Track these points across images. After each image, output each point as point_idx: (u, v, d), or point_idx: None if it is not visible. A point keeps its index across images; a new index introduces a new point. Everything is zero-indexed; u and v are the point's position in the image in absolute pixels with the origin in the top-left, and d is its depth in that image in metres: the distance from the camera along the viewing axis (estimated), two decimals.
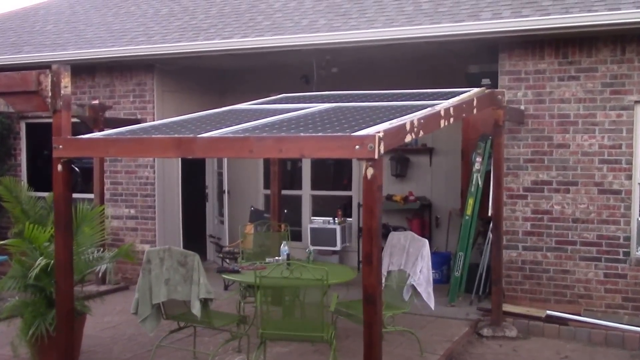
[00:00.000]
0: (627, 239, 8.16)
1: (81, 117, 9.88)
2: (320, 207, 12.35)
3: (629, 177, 8.10)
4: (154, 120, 10.79)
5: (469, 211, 8.94)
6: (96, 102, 10.06)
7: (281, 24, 9.85)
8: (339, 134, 4.93)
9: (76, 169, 5.82)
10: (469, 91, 7.50)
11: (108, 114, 10.45)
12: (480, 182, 8.86)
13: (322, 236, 11.50)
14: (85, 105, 9.91)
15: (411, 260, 7.04)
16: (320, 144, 4.80)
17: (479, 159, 8.94)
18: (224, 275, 6.76)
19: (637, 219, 8.16)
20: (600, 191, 8.25)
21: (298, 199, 12.34)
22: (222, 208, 12.17)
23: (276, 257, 7.44)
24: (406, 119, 5.48)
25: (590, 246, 8.33)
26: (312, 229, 11.57)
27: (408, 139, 5.40)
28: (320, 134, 4.98)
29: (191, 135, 5.26)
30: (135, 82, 10.94)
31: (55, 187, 5.72)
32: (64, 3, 13.82)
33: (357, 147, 4.63)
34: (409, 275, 6.90)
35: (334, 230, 11.41)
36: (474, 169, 8.99)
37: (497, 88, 8.82)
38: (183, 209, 11.52)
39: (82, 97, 11.28)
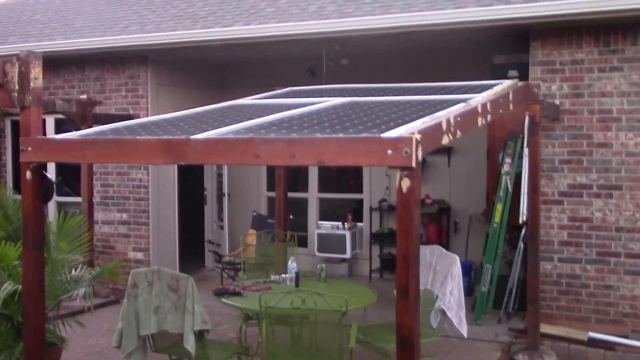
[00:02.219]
0: None
1: (67, 114, 8.99)
2: (329, 211, 11.43)
3: None
4: (147, 116, 9.88)
5: (497, 218, 8.02)
6: (84, 96, 9.15)
7: (286, 10, 8.91)
8: (365, 134, 4.00)
9: (49, 176, 4.84)
10: (500, 83, 6.56)
11: (98, 109, 9.56)
12: (510, 186, 7.94)
13: (330, 243, 10.61)
14: (71, 100, 9.00)
15: (439, 279, 6.12)
16: (343, 148, 3.86)
17: (508, 160, 8.01)
18: (222, 300, 5.82)
19: None
20: None
21: (304, 201, 11.41)
22: (221, 212, 11.26)
23: (282, 275, 6.51)
24: (441, 117, 4.55)
25: (637, 258, 7.39)
26: (320, 235, 10.68)
27: (445, 140, 4.46)
28: (341, 134, 4.04)
29: (183, 137, 4.32)
30: (127, 75, 10.02)
31: (24, 198, 4.79)
32: None
33: (389, 152, 3.70)
34: (437, 297, 5.98)
35: (344, 236, 10.51)
36: (502, 171, 8.07)
37: (526, 80, 7.90)
38: (179, 212, 10.61)
39: (70, 91, 10.40)
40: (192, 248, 11.46)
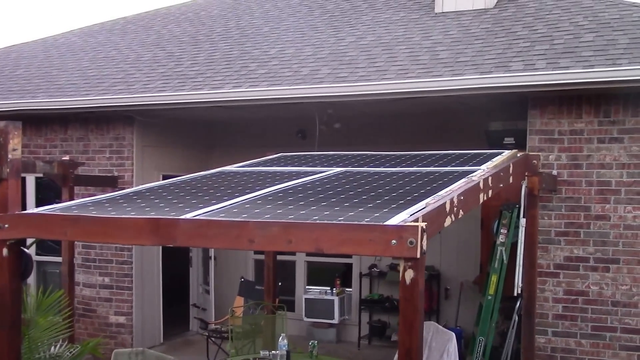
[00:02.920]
0: None
1: (48, 175, 8.69)
2: (317, 275, 11.16)
3: None
4: (132, 177, 9.66)
5: (491, 290, 7.79)
6: (66, 158, 8.87)
7: (278, 73, 8.76)
8: (367, 221, 3.77)
9: (27, 251, 4.56)
10: (500, 154, 6.41)
11: (81, 170, 9.29)
12: (505, 257, 7.74)
13: (318, 307, 10.35)
14: (53, 161, 8.72)
15: (434, 356, 5.87)
16: (343, 235, 3.62)
17: (503, 231, 7.83)
18: None
19: None
20: None
21: (291, 265, 11.13)
22: (207, 275, 10.96)
23: (272, 352, 6.21)
24: (444, 197, 4.36)
25: (633, 334, 7.16)
26: (308, 300, 10.42)
27: (447, 222, 4.26)
28: (340, 219, 3.82)
29: (172, 216, 4.08)
30: (112, 135, 9.79)
31: (0, 276, 4.50)
32: (38, 46, 12.68)
33: (393, 241, 3.48)
34: None
35: (332, 301, 10.26)
36: (497, 242, 7.87)
37: (522, 148, 7.77)
38: (164, 274, 10.27)
39: (52, 150, 10.15)
40: (176, 310, 11.12)
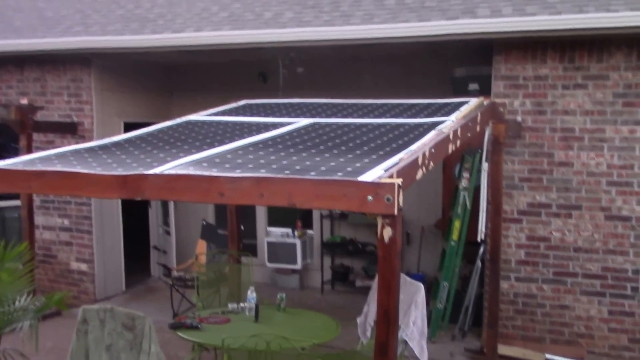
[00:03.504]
0: (636, 272, 7.21)
1: (5, 121, 8.45)
2: (278, 216, 11.08)
3: None
4: (92, 124, 9.43)
5: (455, 236, 7.86)
6: (25, 102, 8.61)
7: (241, 16, 8.56)
8: (341, 176, 3.73)
9: None
10: (466, 102, 6.40)
11: (40, 115, 9.04)
12: (468, 203, 7.79)
13: (280, 252, 10.32)
14: (10, 106, 8.47)
15: (402, 308, 5.86)
16: (317, 190, 3.56)
17: (466, 175, 7.86)
18: (179, 334, 5.50)
19: None
20: (607, 217, 7.25)
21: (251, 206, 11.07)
22: (167, 217, 10.83)
23: (241, 304, 6.21)
24: (417, 151, 4.33)
25: (594, 279, 7.35)
26: (270, 244, 10.39)
27: (419, 175, 4.25)
28: (313, 173, 3.76)
29: (139, 171, 3.98)
30: (69, 77, 9.52)
31: None
32: None
33: (369, 197, 3.45)
34: (400, 327, 5.76)
35: (294, 245, 10.23)
36: (460, 187, 7.91)
37: (486, 94, 7.76)
38: (123, 215, 10.13)
39: (8, 92, 9.87)
40: (137, 253, 11.03)
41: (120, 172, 4.09)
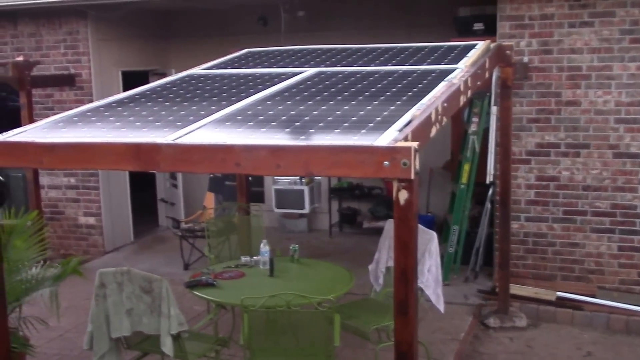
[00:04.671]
0: None
1: (3, 78, 8.36)
2: None
3: None
4: (90, 75, 9.33)
5: (464, 179, 7.85)
6: (20, 58, 8.49)
7: None
8: (355, 140, 3.68)
9: (0, 178, 4.41)
10: (474, 46, 6.30)
11: (36, 69, 8.93)
12: (477, 146, 7.75)
13: (288, 198, 10.34)
14: (7, 63, 8.36)
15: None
16: (334, 158, 3.53)
17: (475, 120, 7.80)
18: (196, 293, 5.53)
19: None
20: (615, 155, 7.21)
21: None
22: None
23: (254, 257, 6.24)
24: (429, 106, 4.27)
25: (603, 217, 7.35)
26: (277, 191, 10.38)
27: (433, 132, 4.21)
28: (329, 140, 3.71)
29: (153, 141, 3.93)
30: (65, 30, 9.38)
31: None
32: None
33: (385, 163, 3.42)
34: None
35: (302, 191, 10.23)
36: (469, 131, 7.86)
37: (491, 34, 7.65)
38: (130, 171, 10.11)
39: (3, 48, 9.72)
40: (144, 205, 11.07)
41: (131, 138, 4.06)
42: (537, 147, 7.46)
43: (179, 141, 3.90)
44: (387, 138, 3.62)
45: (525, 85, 7.38)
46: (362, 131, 3.85)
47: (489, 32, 7.80)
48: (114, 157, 3.98)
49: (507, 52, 6.57)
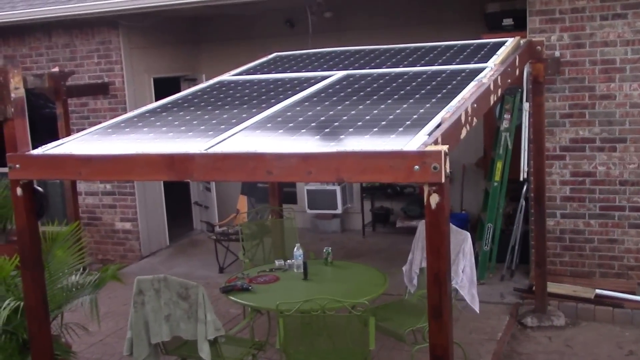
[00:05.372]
0: None
1: (40, 89, 8.51)
2: None
3: None
4: (123, 83, 9.46)
5: (497, 176, 7.80)
6: (56, 69, 8.64)
7: None
8: (385, 142, 3.69)
9: (39, 189, 4.50)
10: (504, 43, 6.25)
11: (71, 78, 9.09)
12: (509, 143, 7.70)
13: (321, 199, 10.37)
14: (43, 75, 8.51)
15: (450, 256, 5.91)
16: (364, 163, 3.56)
17: (507, 116, 7.75)
18: (232, 298, 5.58)
19: None
20: None
21: None
22: None
23: (288, 261, 6.28)
24: (459, 108, 4.27)
25: None
26: (310, 191, 10.41)
27: (463, 134, 4.21)
28: (359, 147, 3.72)
29: (187, 151, 3.99)
30: (98, 40, 9.52)
31: (17, 217, 4.45)
32: None
33: (416, 167, 3.43)
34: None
35: (334, 191, 10.25)
36: (501, 128, 7.81)
37: (521, 29, 7.59)
38: None
39: (38, 59, 9.89)
40: (178, 209, 11.18)
41: (164, 148, 4.12)
42: (571, 142, 7.38)
43: (211, 150, 3.95)
44: (417, 142, 3.63)
45: (558, 80, 7.31)
46: (392, 135, 3.86)
47: (519, 27, 7.75)
48: (149, 168, 4.05)
49: (538, 47, 6.51)
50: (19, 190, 4.37)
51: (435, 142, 3.59)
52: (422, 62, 6.01)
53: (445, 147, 3.44)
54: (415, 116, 4.22)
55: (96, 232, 9.97)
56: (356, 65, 6.22)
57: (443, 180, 3.41)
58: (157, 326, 4.97)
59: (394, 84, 5.26)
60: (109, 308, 7.69)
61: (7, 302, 4.96)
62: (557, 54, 7.25)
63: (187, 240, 10.75)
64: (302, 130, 4.21)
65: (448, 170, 3.47)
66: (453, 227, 6.01)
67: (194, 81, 10.33)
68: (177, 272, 8.65)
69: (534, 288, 7.17)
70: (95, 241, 9.98)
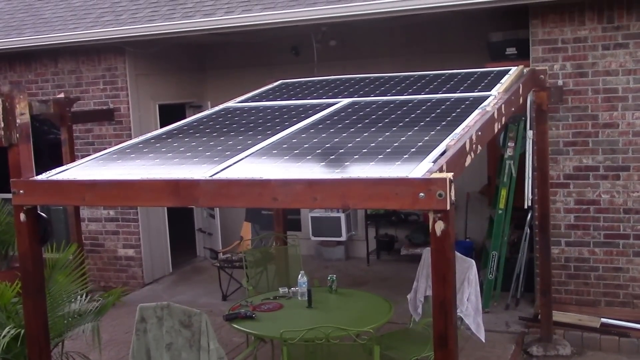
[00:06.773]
0: None
1: (45, 115, 8.55)
2: None
3: None
4: (128, 110, 9.50)
5: (502, 204, 7.78)
6: (61, 95, 8.68)
7: None
8: (391, 174, 3.68)
9: (43, 215, 4.49)
10: (507, 72, 6.29)
11: (76, 104, 9.12)
12: (514, 171, 7.70)
13: (324, 226, 10.33)
14: (49, 101, 8.55)
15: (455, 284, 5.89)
16: (369, 190, 3.56)
17: (511, 144, 7.76)
18: (235, 326, 5.55)
19: None
20: None
21: None
22: None
23: (292, 289, 6.25)
24: (463, 136, 4.28)
25: None
26: (314, 218, 10.37)
27: (468, 162, 4.21)
28: (365, 174, 3.72)
29: (192, 177, 3.99)
30: (104, 66, 9.57)
31: (20, 243, 4.45)
32: None
33: (421, 194, 3.43)
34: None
35: (338, 219, 10.20)
36: (505, 156, 7.82)
37: (524, 58, 7.63)
38: None
39: (44, 85, 9.95)
40: (181, 236, 11.16)
41: (169, 174, 4.12)
42: (575, 170, 7.39)
43: (216, 177, 3.96)
44: (422, 169, 3.64)
45: (561, 109, 7.33)
46: (397, 163, 3.86)
47: (522, 56, 7.79)
48: (153, 194, 4.05)
49: (541, 76, 6.54)
50: (22, 216, 4.37)
51: (440, 170, 3.60)
52: (427, 89, 6.04)
53: (450, 175, 3.44)
54: (420, 143, 4.23)
55: (99, 259, 9.95)
56: (361, 92, 6.26)
57: (448, 208, 3.41)
58: (159, 355, 4.93)
59: (399, 112, 5.28)
60: (111, 336, 7.64)
61: (7, 329, 4.94)
62: (560, 82, 7.28)
63: (191, 267, 10.72)
64: (308, 157, 4.22)
65: (453, 198, 3.47)
66: (458, 254, 5.99)
67: (199, 108, 10.37)
68: (180, 299, 8.61)
69: (539, 317, 7.13)
70: (97, 268, 9.96)
